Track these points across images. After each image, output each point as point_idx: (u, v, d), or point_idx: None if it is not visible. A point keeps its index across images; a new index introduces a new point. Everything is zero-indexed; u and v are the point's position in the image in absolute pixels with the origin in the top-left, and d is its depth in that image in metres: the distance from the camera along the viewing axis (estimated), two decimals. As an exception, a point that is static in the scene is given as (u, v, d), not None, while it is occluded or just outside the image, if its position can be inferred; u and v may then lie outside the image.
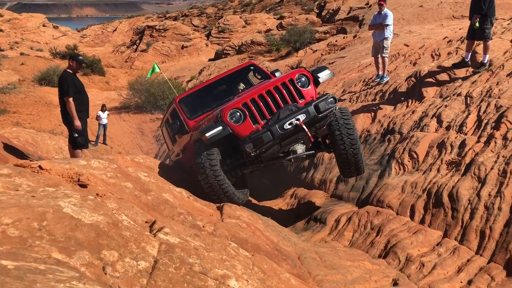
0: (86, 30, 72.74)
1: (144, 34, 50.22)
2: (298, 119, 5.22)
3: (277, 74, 7.18)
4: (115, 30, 67.36)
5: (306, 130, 5.26)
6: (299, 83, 5.66)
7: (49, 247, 2.04)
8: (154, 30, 50.23)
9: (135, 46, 50.06)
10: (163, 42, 46.75)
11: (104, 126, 16.78)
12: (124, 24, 70.03)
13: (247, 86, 7.36)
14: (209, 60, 37.99)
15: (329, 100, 5.44)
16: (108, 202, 2.92)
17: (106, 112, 16.91)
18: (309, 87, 5.69)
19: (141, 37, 50.48)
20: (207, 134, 5.21)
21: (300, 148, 5.80)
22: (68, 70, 6.70)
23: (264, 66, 21.29)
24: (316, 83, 5.87)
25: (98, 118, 16.52)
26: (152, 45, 46.17)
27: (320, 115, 5.37)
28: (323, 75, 5.93)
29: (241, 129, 5.36)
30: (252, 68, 7.64)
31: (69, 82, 6.50)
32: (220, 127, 5.26)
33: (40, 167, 3.46)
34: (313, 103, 5.37)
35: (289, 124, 5.22)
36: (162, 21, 59.83)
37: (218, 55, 37.06)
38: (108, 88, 31.75)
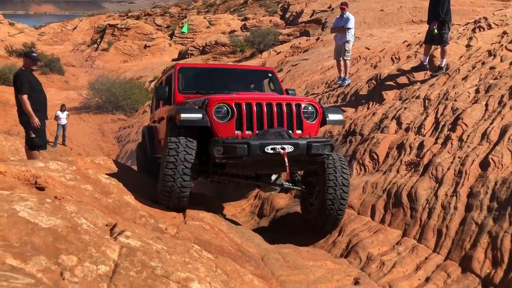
0: (45, 27, 70.20)
1: (106, 33, 49.06)
2: (283, 148, 4.52)
3: (290, 92, 6.55)
4: (75, 28, 65.55)
5: (287, 164, 4.52)
6: (305, 114, 5.01)
7: (2, 253, 1.96)
8: (116, 29, 49.15)
9: (96, 45, 48.86)
10: (125, 41, 45.87)
11: (63, 126, 16.34)
12: (85, 22, 68.23)
13: (256, 90, 6.74)
14: (173, 60, 37.60)
15: (327, 145, 4.78)
16: (67, 205, 2.83)
17: (66, 112, 16.47)
18: (314, 122, 5.06)
19: (102, 36, 49.30)
20: (182, 115, 4.58)
21: (274, 178, 5.28)
22: (23, 68, 6.59)
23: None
24: (323, 122, 5.23)
25: (57, 118, 16.08)
26: (114, 44, 45.23)
27: (309, 156, 4.71)
28: (333, 117, 5.29)
29: (220, 128, 4.67)
30: (270, 75, 6.88)
31: (23, 79, 6.37)
32: (200, 115, 4.63)
33: (-6, 169, 3.32)
34: (307, 140, 4.70)
35: (271, 149, 4.50)
36: (124, 19, 58.77)
37: (182, 55, 36.73)
38: (68, 87, 30.95)
